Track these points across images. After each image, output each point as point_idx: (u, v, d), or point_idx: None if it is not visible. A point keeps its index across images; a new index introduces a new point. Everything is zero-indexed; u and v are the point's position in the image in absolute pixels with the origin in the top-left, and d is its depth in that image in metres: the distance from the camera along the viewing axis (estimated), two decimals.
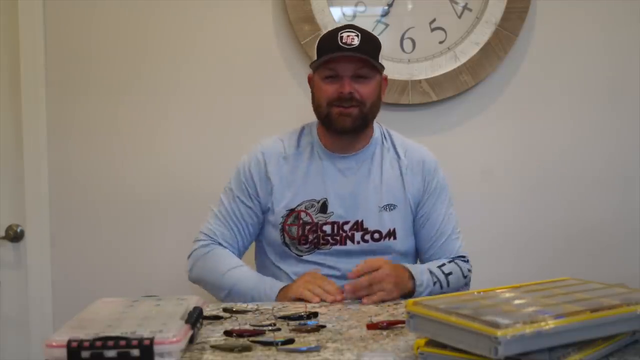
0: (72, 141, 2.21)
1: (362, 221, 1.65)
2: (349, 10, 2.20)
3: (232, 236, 1.70)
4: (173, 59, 2.20)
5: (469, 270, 1.70)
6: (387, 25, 2.20)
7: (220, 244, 1.69)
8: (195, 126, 2.21)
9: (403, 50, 2.20)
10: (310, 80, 1.71)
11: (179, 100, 2.21)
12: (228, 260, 1.65)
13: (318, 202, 1.65)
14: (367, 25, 2.18)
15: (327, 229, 1.64)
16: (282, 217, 1.66)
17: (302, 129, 1.76)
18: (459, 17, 2.20)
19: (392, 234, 1.66)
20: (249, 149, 1.74)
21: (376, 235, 1.65)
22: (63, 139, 2.21)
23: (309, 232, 1.64)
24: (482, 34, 2.17)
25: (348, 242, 1.65)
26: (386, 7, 2.20)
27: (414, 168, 1.71)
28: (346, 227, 1.65)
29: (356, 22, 2.18)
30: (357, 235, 1.65)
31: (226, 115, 2.21)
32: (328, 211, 1.65)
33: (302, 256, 1.66)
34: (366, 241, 1.65)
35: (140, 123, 2.21)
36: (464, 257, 1.72)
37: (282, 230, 1.66)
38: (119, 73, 2.20)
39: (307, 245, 1.65)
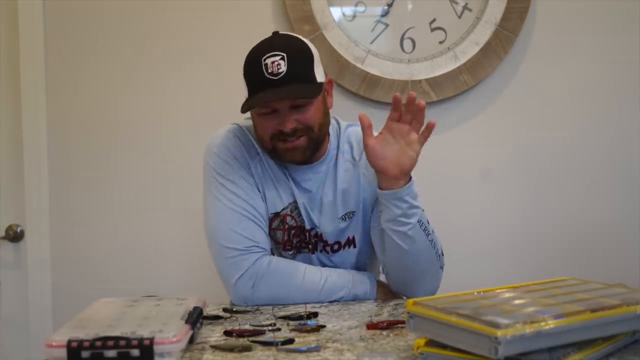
0: (72, 141, 2.21)
1: (321, 234, 1.55)
2: (348, 10, 2.19)
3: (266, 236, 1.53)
4: (173, 59, 2.20)
5: (441, 266, 1.49)
6: (387, 25, 2.20)
7: (264, 249, 1.50)
8: (196, 126, 2.21)
9: (403, 50, 2.20)
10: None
11: (179, 100, 2.21)
12: (296, 265, 1.51)
13: (300, 204, 1.53)
14: (367, 25, 2.20)
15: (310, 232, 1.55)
16: (267, 219, 1.54)
17: (248, 130, 1.57)
18: (459, 17, 2.20)
19: (351, 241, 1.56)
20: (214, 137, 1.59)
21: (335, 247, 1.56)
22: (63, 139, 2.21)
23: (294, 237, 1.54)
24: (482, 34, 2.17)
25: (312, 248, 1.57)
26: (386, 7, 2.20)
27: (370, 168, 1.50)
28: (312, 233, 1.55)
29: (356, 22, 2.20)
30: (320, 245, 1.55)
31: (226, 114, 2.18)
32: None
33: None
34: (327, 252, 1.55)
35: (140, 123, 2.21)
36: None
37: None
38: (118, 73, 2.21)
39: (291, 251, 1.56)
